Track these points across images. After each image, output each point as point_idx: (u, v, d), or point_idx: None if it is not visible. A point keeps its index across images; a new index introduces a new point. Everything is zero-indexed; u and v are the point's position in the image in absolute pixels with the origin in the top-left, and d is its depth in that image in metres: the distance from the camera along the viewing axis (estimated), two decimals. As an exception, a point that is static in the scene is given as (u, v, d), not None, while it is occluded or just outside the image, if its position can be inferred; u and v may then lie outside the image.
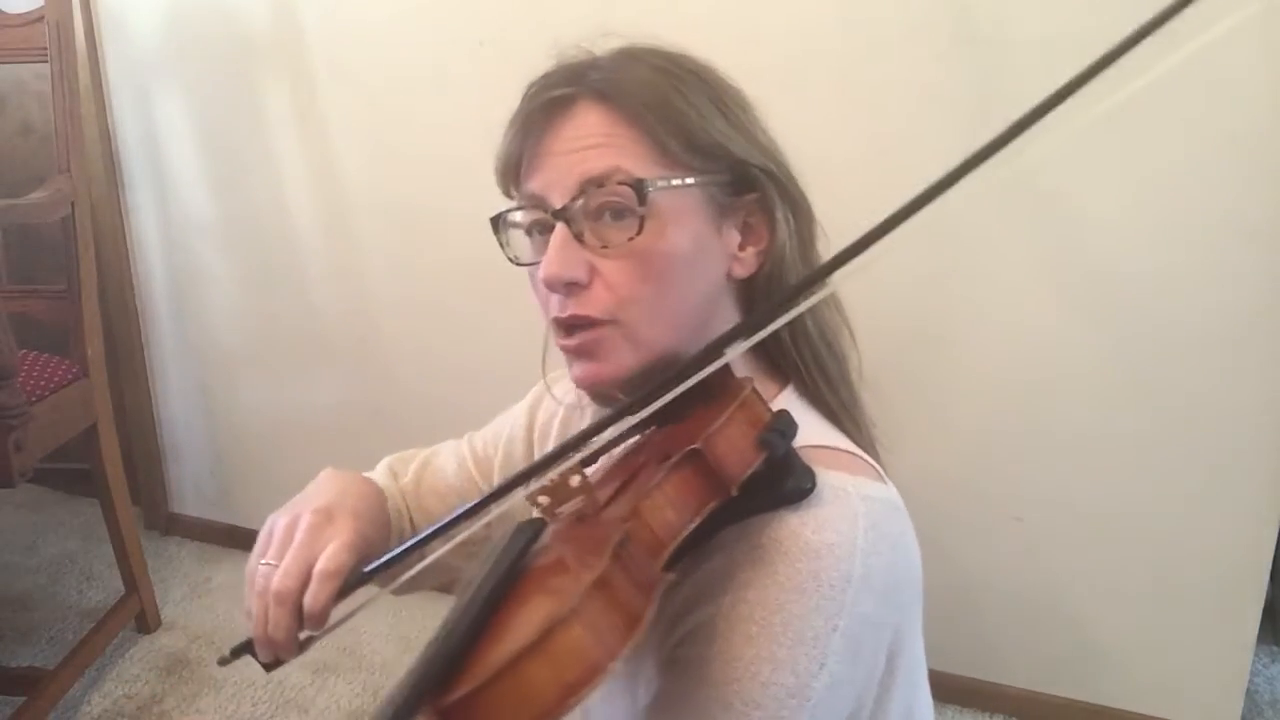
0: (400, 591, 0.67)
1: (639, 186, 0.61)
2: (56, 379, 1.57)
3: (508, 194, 0.70)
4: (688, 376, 0.56)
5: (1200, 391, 1.40)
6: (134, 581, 1.81)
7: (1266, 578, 1.44)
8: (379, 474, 0.86)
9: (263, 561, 0.61)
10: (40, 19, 1.58)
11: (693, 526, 0.54)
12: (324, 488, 0.66)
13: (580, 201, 0.62)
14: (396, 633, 1.86)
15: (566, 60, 0.69)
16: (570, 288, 0.62)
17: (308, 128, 1.81)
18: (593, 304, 0.62)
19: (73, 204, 1.59)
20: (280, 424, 2.04)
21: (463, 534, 0.60)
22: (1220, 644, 1.49)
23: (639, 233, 0.61)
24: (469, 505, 0.58)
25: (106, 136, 1.96)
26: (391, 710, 0.47)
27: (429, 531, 0.60)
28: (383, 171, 1.78)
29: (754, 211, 0.68)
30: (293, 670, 1.75)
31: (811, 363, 0.70)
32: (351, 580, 0.60)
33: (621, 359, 0.64)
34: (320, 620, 0.59)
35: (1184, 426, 1.42)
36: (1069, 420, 1.48)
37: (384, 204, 1.80)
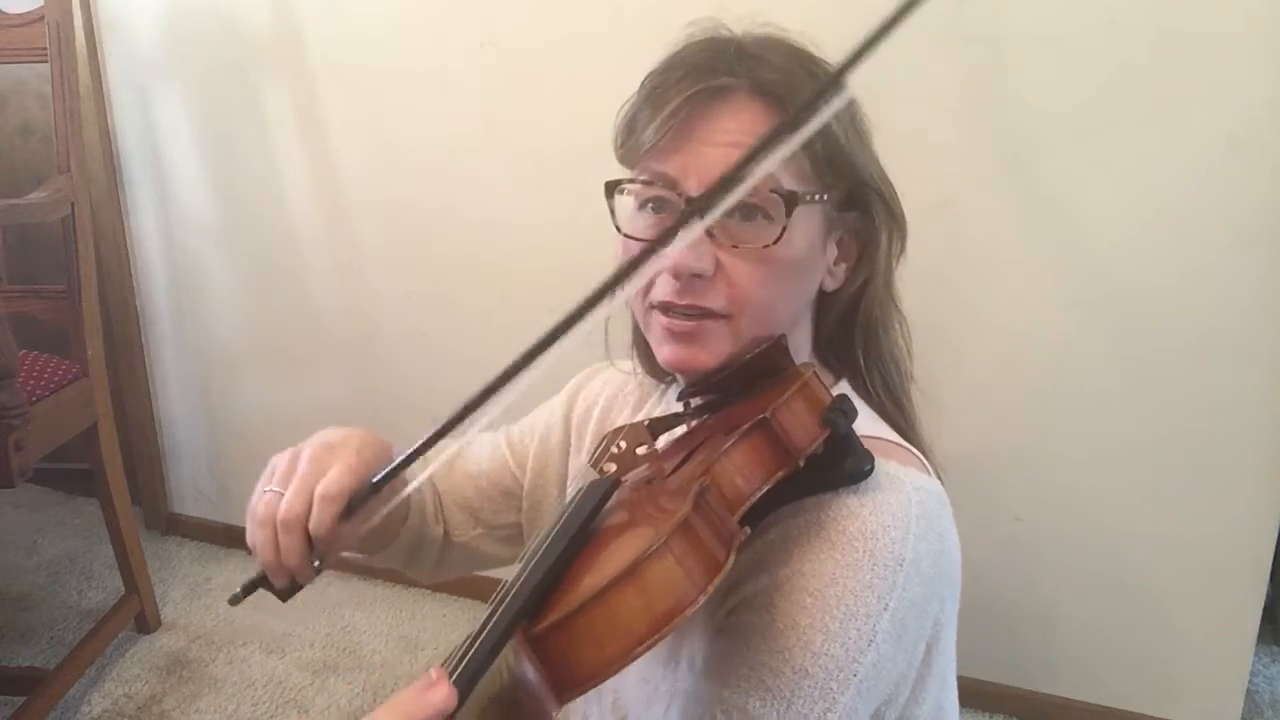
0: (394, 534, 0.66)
1: (791, 199, 0.61)
2: (56, 379, 1.57)
3: (624, 161, 0.68)
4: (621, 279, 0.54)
5: (1200, 392, 1.40)
6: (134, 581, 1.81)
7: (1266, 578, 1.44)
8: None
9: (266, 489, 0.62)
10: (40, 19, 1.58)
11: (760, 495, 0.54)
12: (326, 432, 0.67)
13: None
14: (396, 632, 1.86)
15: (710, 36, 0.67)
16: (692, 279, 0.62)
17: (308, 128, 1.81)
18: (712, 297, 0.63)
19: (73, 204, 1.58)
20: (280, 424, 2.04)
21: (456, 445, 0.60)
22: (1220, 644, 1.49)
23: (777, 241, 0.61)
24: (482, 390, 0.56)
25: (106, 136, 1.96)
26: (484, 640, 0.47)
27: (437, 430, 0.60)
28: (383, 171, 1.78)
29: (852, 228, 0.69)
30: (293, 670, 1.75)
31: (879, 380, 0.72)
32: (356, 499, 0.60)
33: (720, 349, 0.65)
34: (328, 542, 0.59)
35: (1184, 427, 1.42)
36: (1069, 420, 1.48)
37: (384, 203, 1.80)
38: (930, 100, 1.40)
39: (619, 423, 0.84)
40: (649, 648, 0.44)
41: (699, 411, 0.67)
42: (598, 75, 1.50)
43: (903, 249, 0.72)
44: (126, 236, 2.04)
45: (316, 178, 1.84)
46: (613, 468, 0.57)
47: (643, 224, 0.67)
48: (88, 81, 1.87)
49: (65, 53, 1.58)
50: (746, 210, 0.62)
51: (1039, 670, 1.62)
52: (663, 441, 0.68)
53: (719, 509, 0.50)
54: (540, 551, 0.52)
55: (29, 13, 1.60)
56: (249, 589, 0.62)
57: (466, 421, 0.56)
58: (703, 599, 0.45)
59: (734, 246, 0.62)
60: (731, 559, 0.48)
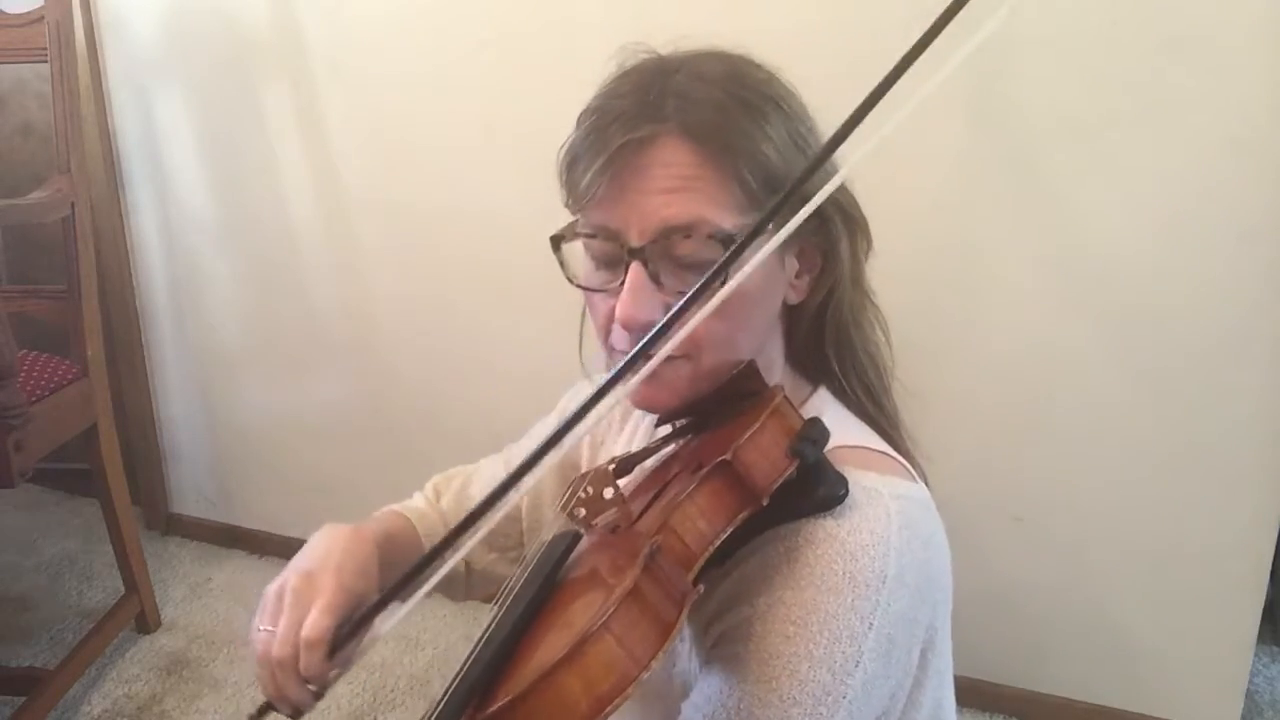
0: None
1: (728, 241, 0.59)
2: (56, 379, 1.57)
3: (568, 204, 0.68)
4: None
5: (1200, 392, 1.40)
6: (134, 581, 1.81)
7: (1266, 578, 1.44)
8: (421, 498, 0.89)
9: (261, 628, 0.63)
10: (40, 19, 1.58)
11: (724, 536, 0.55)
12: (311, 549, 0.68)
13: (660, 244, 0.61)
14: (396, 632, 1.85)
15: (638, 67, 0.66)
16: (646, 327, 0.61)
17: (308, 128, 1.81)
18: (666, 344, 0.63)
19: (73, 204, 1.58)
20: (280, 424, 2.04)
21: (443, 570, 0.60)
22: (1220, 644, 1.49)
23: (723, 283, 0.60)
24: (442, 540, 0.58)
25: (106, 136, 1.96)
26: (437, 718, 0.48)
27: (401, 578, 0.60)
28: (383, 171, 1.78)
29: (811, 240, 0.67)
30: (293, 670, 1.75)
31: (857, 382, 0.71)
32: (343, 633, 0.61)
33: (682, 387, 0.64)
34: (322, 680, 0.61)
35: (1184, 427, 1.42)
36: (1069, 421, 1.48)
37: (384, 203, 1.80)
38: (933, 102, 1.40)
39: (608, 441, 0.84)
40: None
41: (673, 438, 0.67)
42: (598, 75, 1.50)
43: (869, 246, 0.70)
44: (126, 236, 2.04)
45: (316, 178, 1.84)
46: (582, 512, 0.57)
47: (596, 275, 0.66)
48: (88, 81, 1.87)
49: (65, 53, 1.58)
50: (689, 262, 0.61)
51: (1038, 670, 1.62)
52: (635, 475, 0.68)
53: (672, 569, 0.51)
54: (499, 619, 0.53)
55: (29, 13, 1.60)
56: (262, 712, 0.64)
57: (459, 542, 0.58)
58: (646, 674, 0.46)
59: (681, 292, 0.60)
60: (682, 620, 0.48)
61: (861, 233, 0.69)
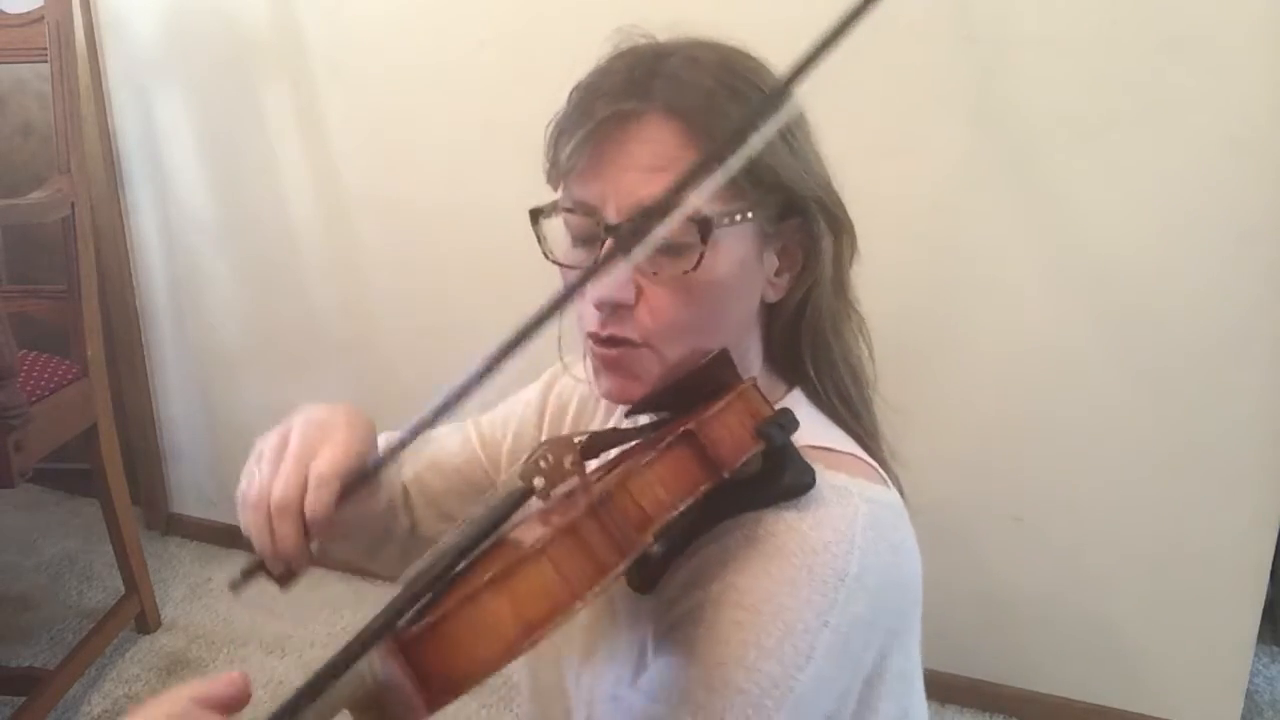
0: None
1: (705, 225, 0.59)
2: (56, 379, 1.57)
3: (550, 180, 0.67)
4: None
5: (1200, 392, 1.40)
6: (134, 581, 1.81)
7: (1266, 578, 1.44)
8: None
9: (258, 474, 0.59)
10: (40, 19, 1.58)
11: (683, 506, 0.53)
12: (310, 408, 0.64)
13: (636, 223, 0.59)
14: (396, 633, 1.86)
15: (631, 49, 0.66)
16: (615, 308, 0.62)
17: (308, 128, 1.81)
18: (634, 327, 0.62)
19: (73, 204, 1.59)
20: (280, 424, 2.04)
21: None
22: (1220, 644, 1.49)
23: (695, 267, 0.60)
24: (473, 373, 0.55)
25: (106, 136, 1.96)
26: (352, 642, 0.46)
27: (425, 417, 0.57)
28: (382, 171, 1.78)
29: (793, 237, 0.67)
30: (293, 670, 1.75)
31: (832, 389, 0.70)
32: (353, 481, 0.58)
33: (650, 376, 0.64)
34: (325, 527, 0.57)
35: (1184, 427, 1.42)
36: (1069, 421, 1.48)
37: (384, 203, 1.80)
38: (933, 102, 1.40)
39: (593, 426, 0.83)
40: (524, 652, 0.44)
41: (647, 430, 0.66)
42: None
43: (854, 251, 0.69)
44: (126, 236, 2.04)
45: (316, 177, 1.84)
46: (540, 481, 0.55)
47: (572, 252, 0.66)
48: (88, 81, 1.87)
49: (65, 53, 1.58)
50: (665, 243, 0.60)
51: (1037, 670, 1.62)
52: (604, 457, 0.67)
53: (622, 519, 0.49)
54: (433, 560, 0.52)
55: (29, 13, 1.60)
56: (248, 574, 0.60)
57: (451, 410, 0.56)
58: (580, 605, 0.45)
59: (654, 273, 0.61)
60: (621, 567, 0.47)
61: (846, 235, 0.68)
